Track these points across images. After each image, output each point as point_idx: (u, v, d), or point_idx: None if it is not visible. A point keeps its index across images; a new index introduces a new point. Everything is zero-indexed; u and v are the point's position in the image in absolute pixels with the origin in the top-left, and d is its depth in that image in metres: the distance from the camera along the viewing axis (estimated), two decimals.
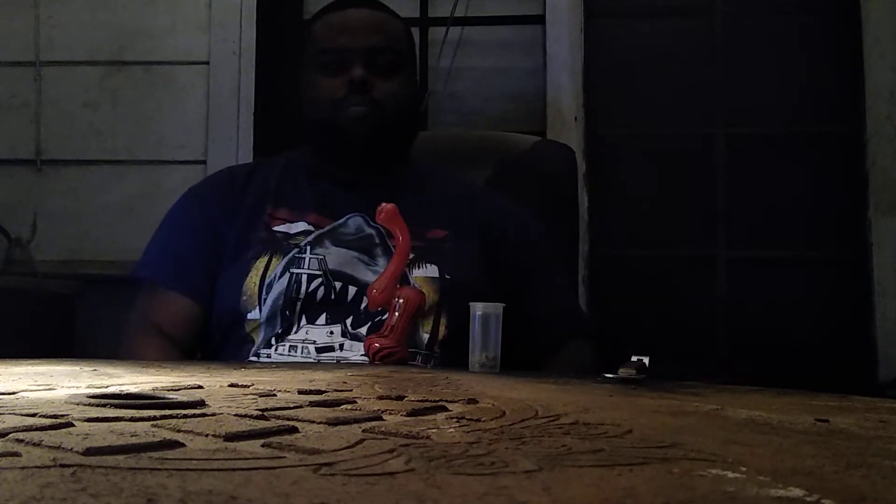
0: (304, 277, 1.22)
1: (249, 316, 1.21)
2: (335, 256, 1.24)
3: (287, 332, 1.21)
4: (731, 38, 2.28)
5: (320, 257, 1.23)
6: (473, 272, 1.27)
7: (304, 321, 1.21)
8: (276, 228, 1.27)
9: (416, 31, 2.28)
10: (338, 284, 1.22)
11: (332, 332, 1.19)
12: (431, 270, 1.24)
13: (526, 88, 2.29)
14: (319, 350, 1.17)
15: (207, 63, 2.23)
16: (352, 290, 1.22)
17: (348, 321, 1.20)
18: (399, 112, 1.31)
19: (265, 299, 1.21)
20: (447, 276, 1.24)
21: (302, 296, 1.20)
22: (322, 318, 1.20)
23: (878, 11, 2.15)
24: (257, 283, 1.22)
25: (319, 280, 1.22)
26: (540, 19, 2.27)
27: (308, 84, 1.32)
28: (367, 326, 1.20)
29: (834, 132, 2.23)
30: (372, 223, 1.27)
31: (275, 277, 1.22)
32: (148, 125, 2.23)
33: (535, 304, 1.31)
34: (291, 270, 1.22)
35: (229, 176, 1.39)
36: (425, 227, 1.28)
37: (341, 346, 1.17)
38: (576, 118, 2.20)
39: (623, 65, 2.30)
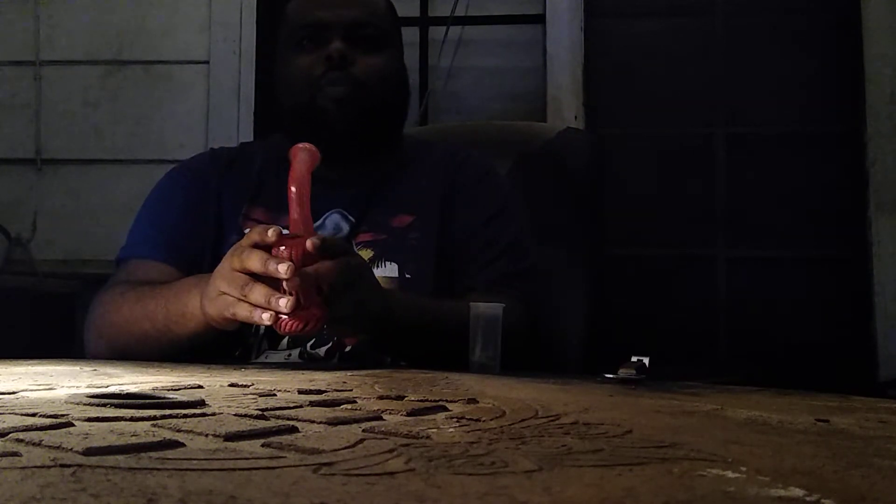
0: None
1: None
2: None
3: (246, 356, 1.13)
4: (732, 37, 2.28)
5: None
6: (433, 266, 1.16)
7: (265, 345, 1.12)
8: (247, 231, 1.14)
9: (415, 31, 2.29)
10: None
11: (289, 355, 1.10)
12: (391, 269, 1.14)
13: (526, 88, 2.29)
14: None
15: (207, 63, 2.23)
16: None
17: (309, 343, 1.10)
18: (384, 91, 1.18)
19: None
20: (407, 276, 1.14)
21: (262, 330, 1.10)
22: (284, 342, 1.11)
23: (878, 11, 2.15)
24: None
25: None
26: (540, 19, 2.26)
27: (283, 64, 1.20)
28: (327, 347, 1.11)
29: (834, 132, 2.23)
30: (349, 217, 1.19)
31: None
32: (148, 125, 2.23)
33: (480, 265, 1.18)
34: None
35: (212, 159, 1.28)
36: (391, 215, 1.19)
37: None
38: (576, 117, 2.20)
39: (623, 64, 2.30)
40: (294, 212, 0.91)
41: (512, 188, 1.31)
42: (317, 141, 1.12)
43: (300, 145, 0.95)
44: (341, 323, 0.93)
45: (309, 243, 0.87)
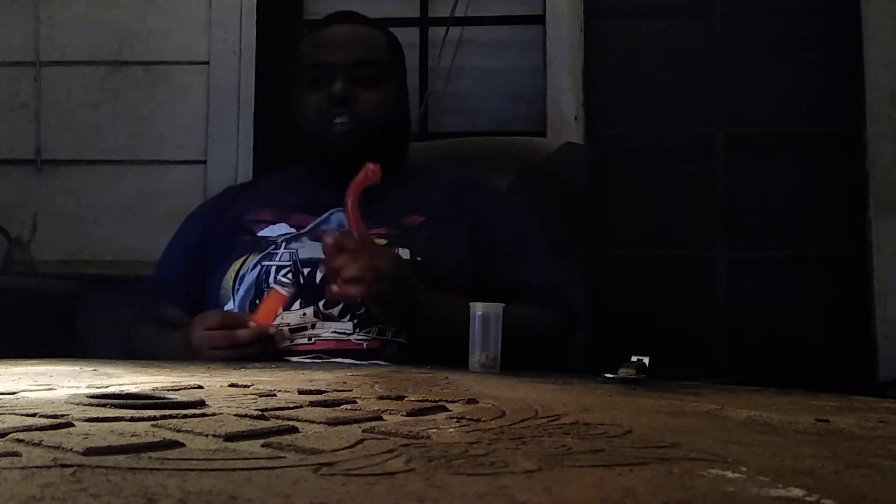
0: (274, 268, 1.30)
1: (226, 307, 1.31)
2: (308, 248, 1.31)
3: None
4: (732, 37, 2.28)
5: (293, 251, 1.32)
6: (444, 254, 1.31)
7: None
8: (259, 233, 1.36)
9: (415, 32, 2.29)
10: (306, 270, 1.29)
11: (304, 314, 1.27)
12: (403, 253, 1.28)
13: (526, 88, 2.29)
14: (293, 331, 1.25)
15: (207, 63, 2.23)
16: (321, 272, 1.28)
17: (321, 303, 1.26)
18: (382, 121, 1.37)
19: (237, 289, 1.31)
20: (418, 259, 1.29)
21: (270, 284, 1.28)
22: (297, 304, 1.27)
23: (878, 11, 2.14)
24: (232, 276, 1.32)
25: (288, 268, 1.30)
26: (540, 19, 2.26)
27: (297, 99, 1.40)
28: (339, 307, 1.26)
29: (834, 132, 2.23)
30: None
31: (247, 270, 1.32)
32: (148, 125, 2.23)
33: (512, 279, 1.33)
34: (263, 263, 1.31)
35: (228, 190, 1.54)
36: (403, 215, 1.35)
37: (313, 326, 1.25)
38: (576, 118, 2.20)
39: (623, 65, 2.30)
40: (346, 211, 1.21)
41: (528, 207, 1.48)
42: (327, 164, 1.39)
43: (367, 164, 1.23)
44: (351, 300, 1.20)
45: (327, 238, 1.17)
